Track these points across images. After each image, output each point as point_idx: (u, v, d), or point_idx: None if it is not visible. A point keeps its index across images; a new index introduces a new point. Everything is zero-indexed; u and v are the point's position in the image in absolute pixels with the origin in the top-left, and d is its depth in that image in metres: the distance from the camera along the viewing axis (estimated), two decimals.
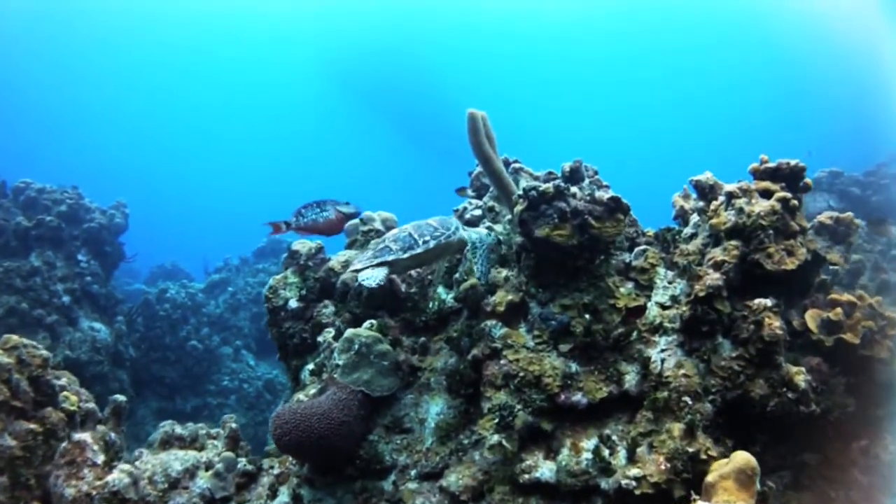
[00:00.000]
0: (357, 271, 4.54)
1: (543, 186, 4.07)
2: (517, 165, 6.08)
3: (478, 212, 5.70)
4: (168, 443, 6.00)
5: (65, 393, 5.68)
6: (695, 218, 4.88)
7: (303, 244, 5.77)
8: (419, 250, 4.36)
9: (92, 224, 12.88)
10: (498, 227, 5.36)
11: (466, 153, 4.92)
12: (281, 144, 57.83)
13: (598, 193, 4.19)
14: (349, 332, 4.77)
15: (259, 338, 15.61)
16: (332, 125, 56.29)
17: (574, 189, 4.17)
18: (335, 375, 4.65)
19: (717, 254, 4.03)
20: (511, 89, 49.15)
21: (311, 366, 5.24)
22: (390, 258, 4.33)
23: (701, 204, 4.62)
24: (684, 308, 3.92)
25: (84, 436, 4.36)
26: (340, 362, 4.68)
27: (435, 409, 4.55)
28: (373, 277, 4.25)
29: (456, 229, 4.65)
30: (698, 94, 47.41)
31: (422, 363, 4.94)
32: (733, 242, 4.04)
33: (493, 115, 5.11)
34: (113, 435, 6.04)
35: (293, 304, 5.51)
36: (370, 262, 4.40)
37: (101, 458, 4.31)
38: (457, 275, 5.32)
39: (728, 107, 45.97)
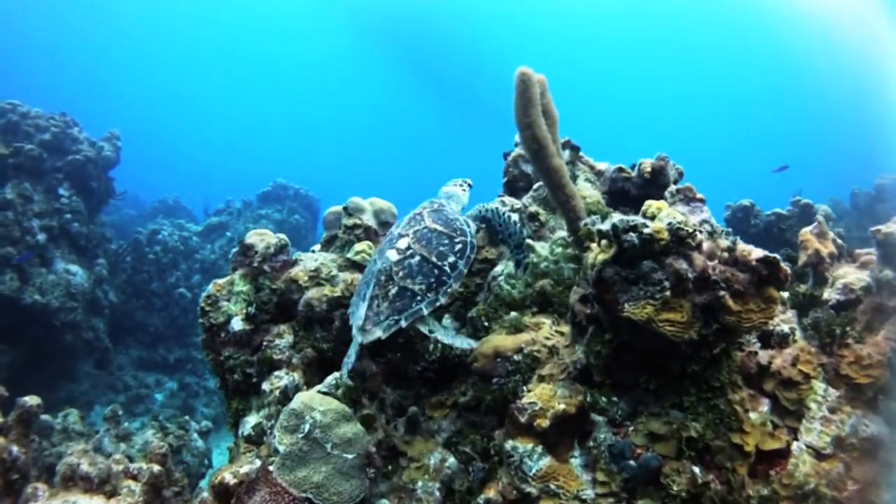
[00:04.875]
0: (364, 330, 2.81)
1: (652, 227, 2.05)
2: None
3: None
4: (71, 481, 4.21)
5: None
6: (849, 277, 2.88)
7: (261, 237, 3.76)
8: (454, 285, 2.81)
9: (77, 156, 10.82)
10: (541, 248, 3.34)
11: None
12: (306, 93, 53.00)
13: (740, 247, 2.15)
14: (299, 400, 2.86)
15: None
16: (360, 79, 50.96)
17: (700, 235, 2.14)
18: (271, 468, 2.78)
19: None
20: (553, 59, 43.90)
21: (251, 421, 3.35)
22: (426, 310, 2.71)
23: (888, 273, 2.59)
24: None
25: None
26: (282, 448, 2.79)
27: None
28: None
29: (467, 226, 3.07)
30: (705, 88, 43.62)
31: (407, 447, 3.05)
32: None
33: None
34: (15, 450, 4.30)
35: (237, 324, 3.56)
36: (392, 322, 2.73)
37: None
38: (472, 312, 3.36)
39: (731, 101, 42.34)
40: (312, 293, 3.47)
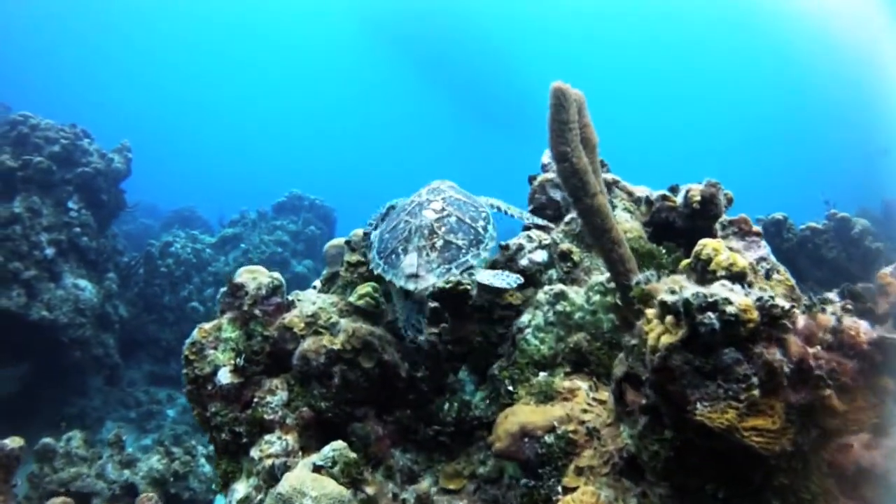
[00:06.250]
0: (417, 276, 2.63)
1: (737, 304, 1.52)
2: (609, 177, 3.49)
3: (541, 255, 3.15)
4: None
5: None
6: None
7: (252, 275, 3.29)
8: (490, 244, 2.85)
9: (87, 168, 10.52)
10: (576, 295, 2.82)
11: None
12: (321, 100, 52.18)
13: (846, 322, 1.63)
14: (287, 483, 2.38)
15: None
16: (375, 85, 49.96)
17: (796, 310, 1.61)
18: None
19: None
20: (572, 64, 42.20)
21: (240, 491, 2.89)
22: (473, 262, 2.72)
23: None
24: None
25: None
26: None
27: None
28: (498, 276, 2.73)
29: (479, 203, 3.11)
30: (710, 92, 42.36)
31: None
32: None
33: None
34: None
35: (225, 377, 3.10)
36: (444, 270, 2.65)
37: None
38: (494, 369, 2.86)
39: (732, 103, 41.02)
40: (309, 344, 3.00)
